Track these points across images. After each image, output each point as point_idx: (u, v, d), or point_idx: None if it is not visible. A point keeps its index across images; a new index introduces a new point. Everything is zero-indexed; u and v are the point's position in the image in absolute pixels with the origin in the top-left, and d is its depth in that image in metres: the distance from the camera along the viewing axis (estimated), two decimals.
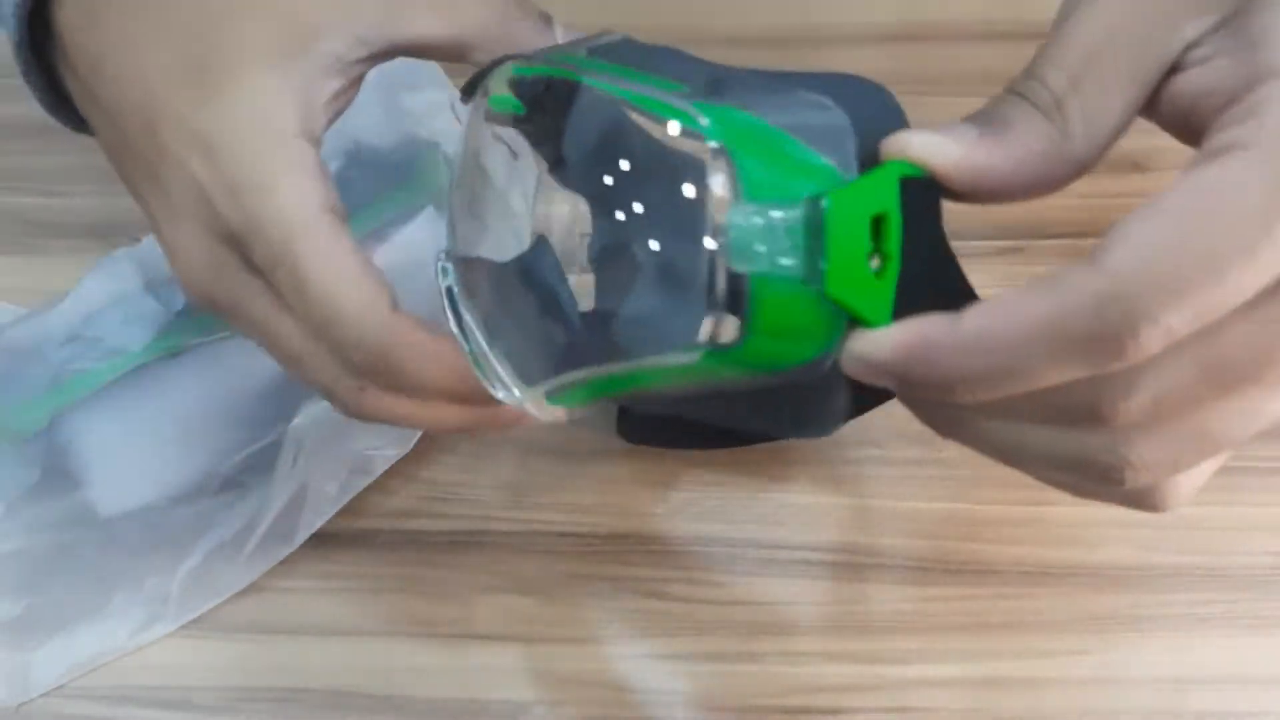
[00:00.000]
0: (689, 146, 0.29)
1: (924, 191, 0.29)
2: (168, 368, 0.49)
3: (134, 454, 0.49)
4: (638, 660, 0.47)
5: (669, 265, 0.31)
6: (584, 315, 0.35)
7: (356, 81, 0.35)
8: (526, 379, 0.34)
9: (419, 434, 0.50)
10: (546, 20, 0.38)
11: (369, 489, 0.50)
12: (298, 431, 0.48)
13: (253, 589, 0.49)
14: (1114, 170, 0.55)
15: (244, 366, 0.49)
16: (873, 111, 0.32)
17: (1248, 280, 0.25)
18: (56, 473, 0.49)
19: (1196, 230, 0.25)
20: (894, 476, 0.50)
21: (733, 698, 0.46)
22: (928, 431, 0.50)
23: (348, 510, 0.49)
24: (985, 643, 0.47)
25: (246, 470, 0.49)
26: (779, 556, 0.49)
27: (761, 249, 0.28)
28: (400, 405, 0.37)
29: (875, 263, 0.28)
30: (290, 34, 0.33)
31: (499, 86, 0.35)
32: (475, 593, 0.49)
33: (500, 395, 0.35)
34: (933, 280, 0.30)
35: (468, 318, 0.35)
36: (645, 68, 0.32)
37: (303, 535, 0.49)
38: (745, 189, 0.28)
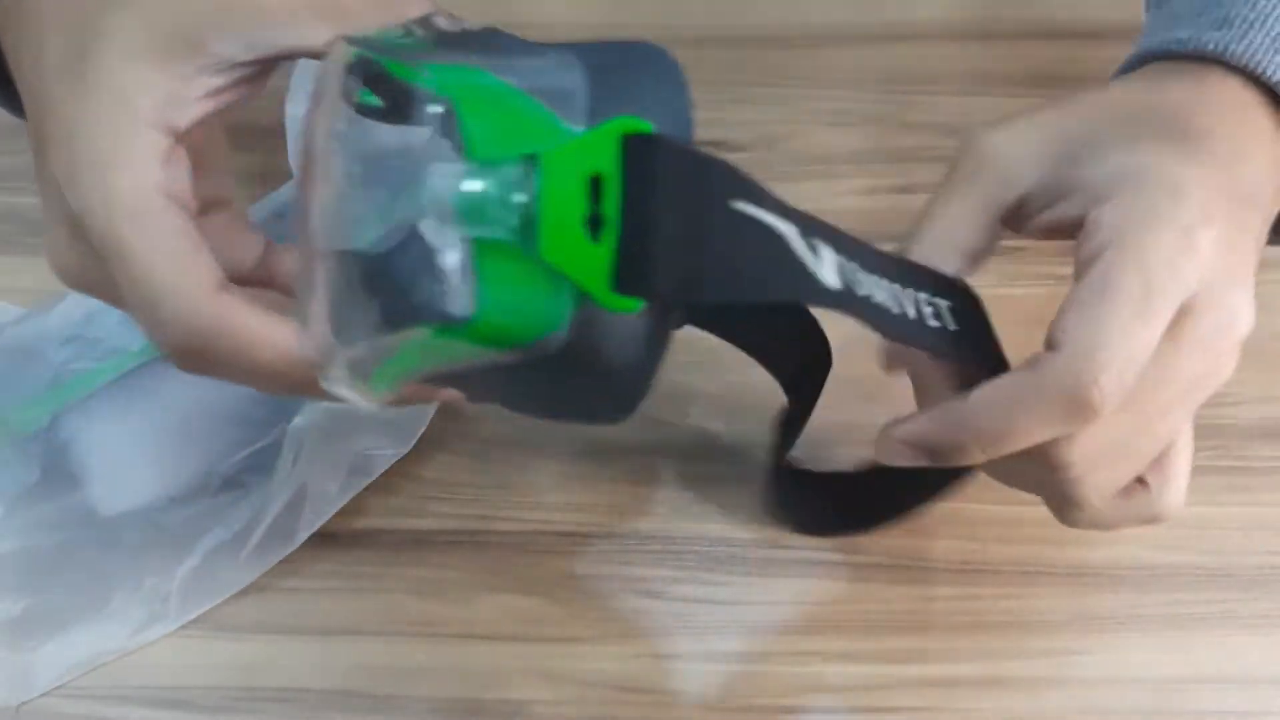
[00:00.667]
0: (423, 109, 0.27)
1: (664, 152, 0.27)
2: (168, 368, 0.49)
3: (134, 454, 0.49)
4: (638, 660, 0.47)
5: (411, 233, 0.28)
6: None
7: (243, 82, 0.35)
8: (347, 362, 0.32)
9: (420, 434, 0.50)
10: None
11: (369, 489, 0.49)
12: (298, 431, 0.48)
13: (253, 589, 0.49)
14: None
15: None
16: (650, 77, 0.30)
17: (1148, 336, 0.35)
18: (56, 473, 0.48)
19: (1108, 315, 0.34)
20: None
21: (733, 698, 0.46)
22: None
23: (348, 510, 0.49)
24: (986, 642, 0.47)
25: (246, 470, 0.49)
26: (779, 556, 0.49)
27: (479, 211, 0.26)
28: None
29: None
30: (173, 31, 0.34)
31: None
32: (475, 592, 0.48)
33: (324, 382, 0.32)
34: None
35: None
36: (484, 52, 0.31)
37: (303, 535, 0.49)
38: (469, 148, 0.26)
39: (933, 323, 0.33)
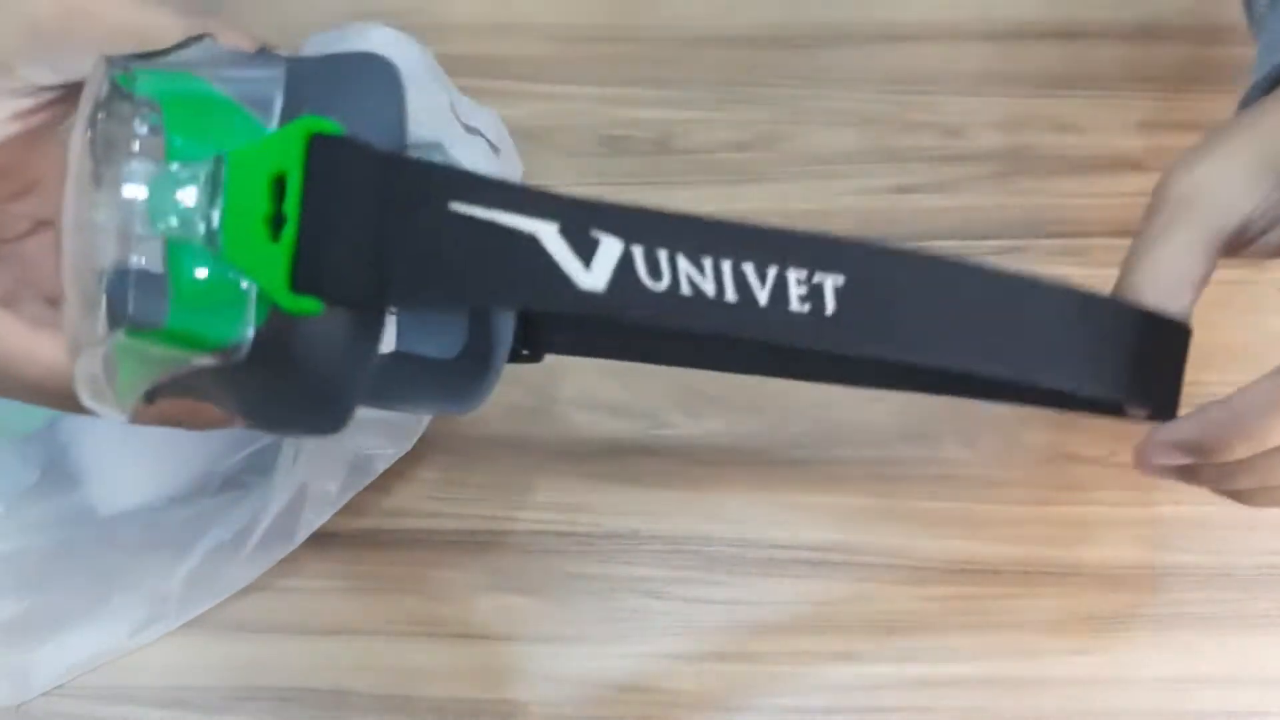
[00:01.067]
0: (131, 115, 0.27)
1: (351, 152, 0.26)
2: None
3: (134, 454, 0.49)
4: (637, 660, 0.47)
5: (121, 238, 0.28)
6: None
7: (51, 104, 0.35)
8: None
9: (419, 434, 0.50)
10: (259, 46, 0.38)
11: (369, 488, 0.49)
12: None
13: (253, 588, 0.49)
14: (1113, 170, 0.55)
15: None
16: (358, 84, 0.30)
17: None
18: (56, 473, 0.48)
19: None
20: (895, 476, 0.50)
21: (733, 698, 0.46)
22: (928, 431, 0.51)
23: (348, 510, 0.49)
24: (986, 642, 0.47)
25: (246, 470, 0.49)
26: (779, 556, 0.49)
27: (168, 211, 0.26)
28: None
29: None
30: None
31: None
32: (475, 592, 0.48)
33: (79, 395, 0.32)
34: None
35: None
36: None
37: (303, 535, 0.49)
38: (169, 151, 0.27)
39: (798, 307, 0.31)
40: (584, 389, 0.47)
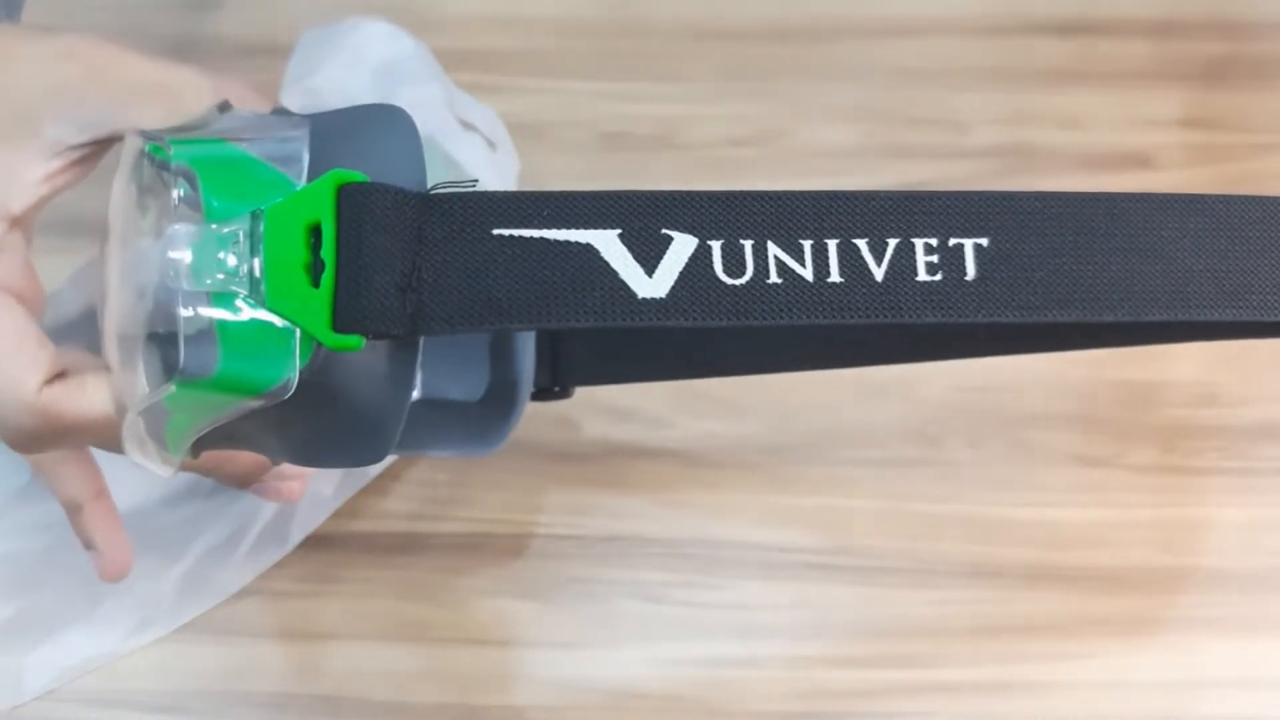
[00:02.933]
0: (169, 182, 0.30)
1: (377, 196, 0.28)
2: None
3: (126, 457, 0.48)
4: (637, 665, 0.47)
5: (165, 298, 0.30)
6: None
7: (76, 164, 0.36)
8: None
9: None
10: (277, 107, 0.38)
11: (364, 491, 0.49)
12: None
13: (247, 592, 0.48)
14: (1121, 167, 0.55)
15: None
16: (375, 133, 0.32)
17: None
18: None
19: None
20: (897, 478, 0.50)
21: (734, 703, 0.46)
22: (932, 432, 0.51)
23: (342, 513, 0.49)
24: (990, 646, 0.47)
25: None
26: (780, 559, 0.49)
27: (211, 268, 0.28)
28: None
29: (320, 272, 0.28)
30: (6, 114, 0.34)
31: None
32: (472, 596, 0.48)
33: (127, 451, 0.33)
34: None
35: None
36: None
37: (296, 538, 0.48)
38: (206, 213, 0.29)
39: (927, 277, 0.30)
40: (584, 391, 0.47)
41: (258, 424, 0.31)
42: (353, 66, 0.53)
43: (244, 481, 0.39)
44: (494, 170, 0.54)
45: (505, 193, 0.29)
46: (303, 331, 0.28)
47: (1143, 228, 0.30)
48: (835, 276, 0.29)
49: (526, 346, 0.43)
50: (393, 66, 0.54)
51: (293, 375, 0.29)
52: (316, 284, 0.28)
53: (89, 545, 0.40)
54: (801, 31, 0.59)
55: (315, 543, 0.49)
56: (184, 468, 0.33)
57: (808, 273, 0.29)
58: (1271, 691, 0.46)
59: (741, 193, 0.29)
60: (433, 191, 0.29)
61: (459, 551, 0.49)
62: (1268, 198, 0.31)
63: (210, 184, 0.29)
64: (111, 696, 0.47)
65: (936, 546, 0.48)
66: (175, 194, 0.29)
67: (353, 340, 0.28)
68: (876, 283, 0.29)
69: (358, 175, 0.28)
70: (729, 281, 0.29)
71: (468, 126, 0.55)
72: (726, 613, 0.47)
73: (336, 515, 0.49)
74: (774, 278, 0.29)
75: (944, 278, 0.29)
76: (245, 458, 0.38)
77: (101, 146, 0.36)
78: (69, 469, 0.39)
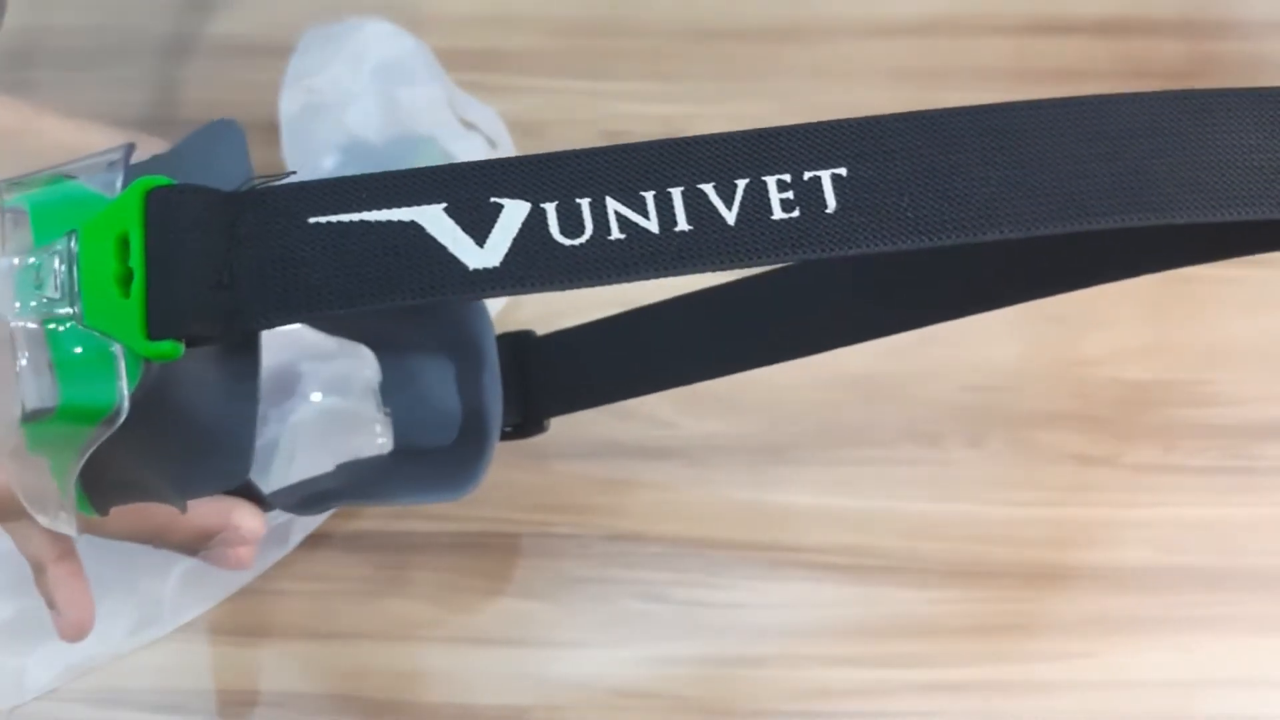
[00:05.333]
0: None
1: (183, 198, 0.28)
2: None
3: None
4: (638, 665, 0.47)
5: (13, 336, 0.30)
6: None
7: None
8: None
9: None
10: None
11: None
12: (294, 431, 0.48)
13: (247, 592, 0.48)
14: None
15: None
16: (210, 143, 0.31)
17: None
18: None
19: None
20: (898, 477, 0.50)
21: (735, 702, 0.46)
22: (933, 432, 0.51)
23: (342, 513, 0.49)
24: (991, 646, 0.47)
25: None
26: (782, 559, 0.48)
27: (33, 295, 0.28)
28: None
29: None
30: None
31: None
32: (473, 596, 0.48)
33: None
34: None
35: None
36: None
37: (297, 537, 0.48)
38: (35, 242, 0.28)
39: (783, 215, 0.28)
40: None
41: (133, 463, 0.30)
42: (353, 66, 0.53)
43: (190, 549, 0.39)
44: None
45: (322, 180, 0.29)
46: (123, 346, 0.28)
47: (1025, 137, 0.28)
48: (683, 225, 0.28)
49: (493, 384, 0.42)
50: (393, 66, 0.54)
51: (122, 395, 0.28)
52: (128, 294, 0.27)
53: (50, 605, 0.40)
54: (801, 31, 0.59)
55: (315, 542, 0.49)
56: (94, 529, 0.33)
57: (652, 225, 0.28)
58: (1271, 691, 0.46)
59: (573, 151, 0.28)
60: (246, 187, 0.29)
61: (460, 551, 0.49)
62: (1166, 93, 0.29)
63: (39, 219, 0.29)
64: (112, 696, 0.47)
65: (936, 546, 0.48)
66: (3, 232, 0.29)
67: (167, 347, 0.27)
68: (729, 226, 0.27)
69: (164, 180, 0.28)
70: (566, 243, 0.28)
71: (468, 126, 0.55)
72: (726, 613, 0.47)
73: (336, 515, 0.49)
74: (616, 234, 0.27)
75: (802, 213, 0.27)
76: (187, 526, 0.37)
77: None
78: (33, 529, 0.38)
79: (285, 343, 0.48)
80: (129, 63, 0.58)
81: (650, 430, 0.51)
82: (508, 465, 0.50)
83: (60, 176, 0.30)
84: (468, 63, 0.56)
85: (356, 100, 0.53)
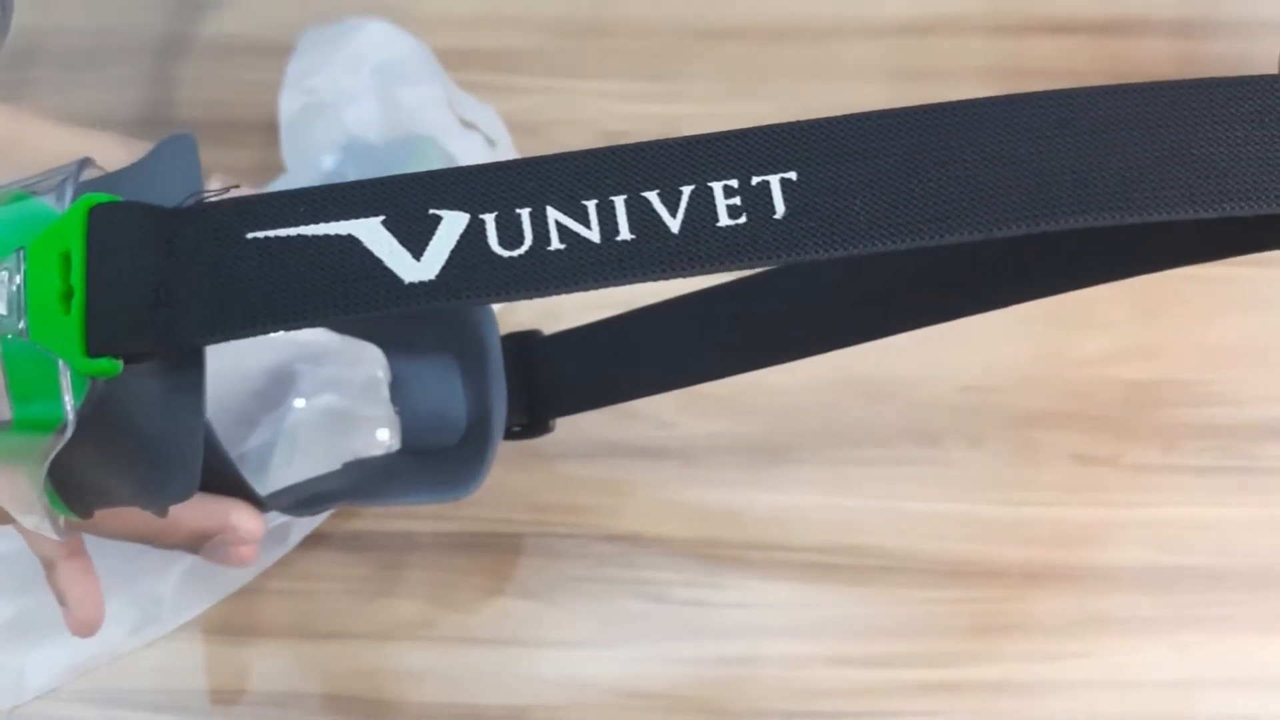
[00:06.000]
0: None
1: (123, 214, 0.28)
2: None
3: None
4: (638, 664, 0.47)
5: None
6: None
7: None
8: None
9: None
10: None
11: None
12: (293, 430, 0.48)
13: (247, 591, 0.48)
14: None
15: (237, 365, 0.48)
16: (161, 156, 0.31)
17: None
18: None
19: None
20: (899, 477, 0.50)
21: (735, 702, 0.46)
22: (933, 432, 0.51)
23: (344, 511, 0.49)
24: (990, 645, 0.47)
25: (241, 469, 0.49)
26: (782, 559, 0.48)
27: None
28: None
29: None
30: None
31: None
32: (473, 596, 0.48)
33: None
34: None
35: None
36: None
37: (297, 537, 0.48)
38: None
39: (729, 221, 0.27)
40: None
41: (94, 472, 0.30)
42: (353, 66, 0.53)
43: (190, 548, 0.39)
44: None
45: (261, 195, 0.29)
46: (64, 361, 0.28)
47: (987, 134, 0.27)
48: (625, 234, 0.27)
49: (498, 386, 0.42)
50: (393, 66, 0.54)
51: (67, 410, 0.28)
52: (69, 311, 0.27)
53: (60, 601, 0.40)
54: (801, 31, 0.59)
55: (315, 542, 0.49)
56: (79, 530, 0.33)
57: (593, 234, 0.27)
58: (1271, 691, 0.46)
59: (514, 161, 0.28)
60: (185, 203, 0.29)
61: (460, 550, 0.49)
62: (1138, 85, 0.27)
63: (1, 234, 0.29)
64: (112, 695, 0.47)
65: (936, 546, 0.48)
66: None
67: (105, 364, 0.28)
68: (672, 235, 0.27)
69: (108, 197, 0.28)
70: (504, 254, 0.27)
71: (468, 126, 0.55)
72: (726, 612, 0.47)
73: (336, 515, 0.49)
74: (556, 244, 0.27)
75: (749, 219, 0.27)
76: (183, 528, 0.37)
77: None
78: None
79: (282, 343, 0.48)
80: (129, 63, 0.58)
81: (650, 430, 0.51)
82: (508, 465, 0.50)
83: (22, 192, 0.30)
84: (467, 63, 0.56)
85: (356, 100, 0.53)
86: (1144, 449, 0.50)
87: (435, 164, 0.52)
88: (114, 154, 0.35)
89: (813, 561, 0.48)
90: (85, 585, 0.40)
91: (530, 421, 0.45)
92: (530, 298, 0.27)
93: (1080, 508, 0.49)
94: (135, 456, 0.31)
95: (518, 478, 0.50)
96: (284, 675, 0.47)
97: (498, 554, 0.49)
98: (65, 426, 0.28)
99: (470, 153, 0.54)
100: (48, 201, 0.29)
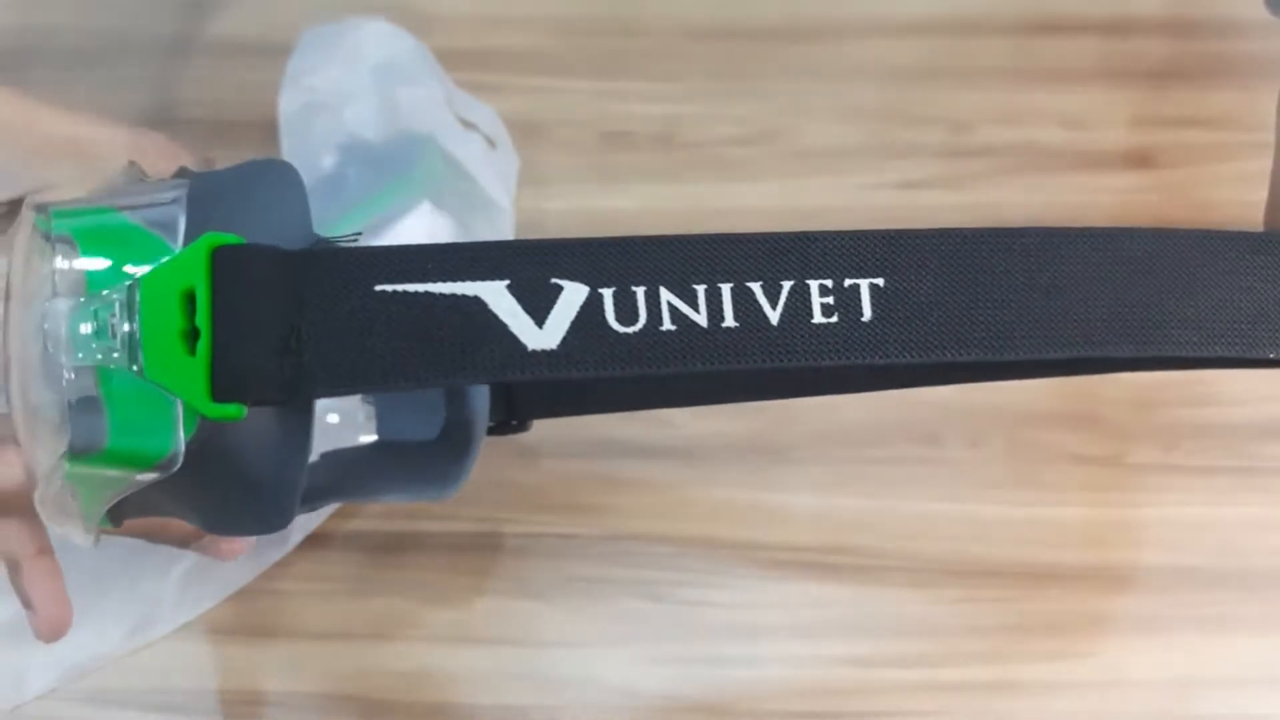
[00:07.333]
0: (51, 253, 0.29)
1: (251, 259, 0.28)
2: None
3: None
4: (639, 664, 0.47)
5: (55, 370, 0.30)
6: None
7: None
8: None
9: None
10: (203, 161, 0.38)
11: None
12: None
13: (247, 592, 0.48)
14: (1121, 166, 0.55)
15: None
16: (257, 191, 0.31)
17: None
18: None
19: None
20: (899, 477, 0.50)
21: (735, 702, 0.46)
22: (934, 431, 0.51)
23: (343, 512, 0.49)
24: (991, 645, 0.47)
25: None
26: (783, 558, 0.48)
27: (90, 340, 0.28)
28: None
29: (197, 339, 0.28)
30: None
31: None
32: (472, 596, 0.48)
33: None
34: None
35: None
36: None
37: (297, 538, 0.48)
38: (90, 284, 0.28)
39: (823, 319, 0.29)
40: None
41: (166, 495, 0.30)
42: (352, 66, 0.53)
43: (182, 544, 0.39)
44: (493, 169, 0.54)
45: (388, 247, 0.29)
46: (184, 401, 0.28)
47: (1041, 263, 0.30)
48: (730, 321, 0.29)
49: (480, 386, 0.42)
50: (392, 66, 0.54)
51: (178, 447, 0.28)
52: (193, 351, 0.27)
53: (25, 604, 0.39)
54: (801, 31, 0.59)
55: (315, 542, 0.48)
56: (121, 532, 0.33)
57: (701, 318, 0.29)
58: (1271, 691, 0.46)
59: (632, 238, 0.29)
60: (313, 249, 0.29)
61: (460, 550, 0.49)
62: (1168, 230, 0.31)
63: (90, 254, 0.29)
64: (113, 695, 0.47)
65: (937, 546, 0.48)
66: (55, 266, 0.29)
67: (232, 409, 0.27)
68: (772, 327, 0.29)
69: (233, 238, 0.28)
70: (621, 330, 0.28)
71: (468, 126, 0.55)
72: (726, 612, 0.47)
73: (336, 515, 0.49)
74: (668, 324, 0.28)
75: (840, 319, 0.29)
76: (175, 525, 0.37)
77: (14, 205, 0.35)
78: (9, 524, 0.38)
79: None
80: (129, 63, 0.58)
81: (650, 430, 0.51)
82: (508, 465, 0.50)
83: (107, 207, 0.30)
84: (467, 63, 0.56)
85: (355, 100, 0.53)
86: (1144, 449, 0.50)
87: (435, 164, 0.52)
88: (119, 142, 0.35)
89: (813, 561, 0.48)
90: (51, 586, 0.39)
91: (509, 417, 0.45)
92: (642, 373, 0.28)
93: (1080, 508, 0.49)
94: (230, 491, 0.30)
95: (518, 478, 0.50)
96: (284, 675, 0.47)
97: (498, 554, 0.49)
98: (171, 460, 0.28)
99: (470, 153, 0.54)
100: (134, 220, 0.29)
